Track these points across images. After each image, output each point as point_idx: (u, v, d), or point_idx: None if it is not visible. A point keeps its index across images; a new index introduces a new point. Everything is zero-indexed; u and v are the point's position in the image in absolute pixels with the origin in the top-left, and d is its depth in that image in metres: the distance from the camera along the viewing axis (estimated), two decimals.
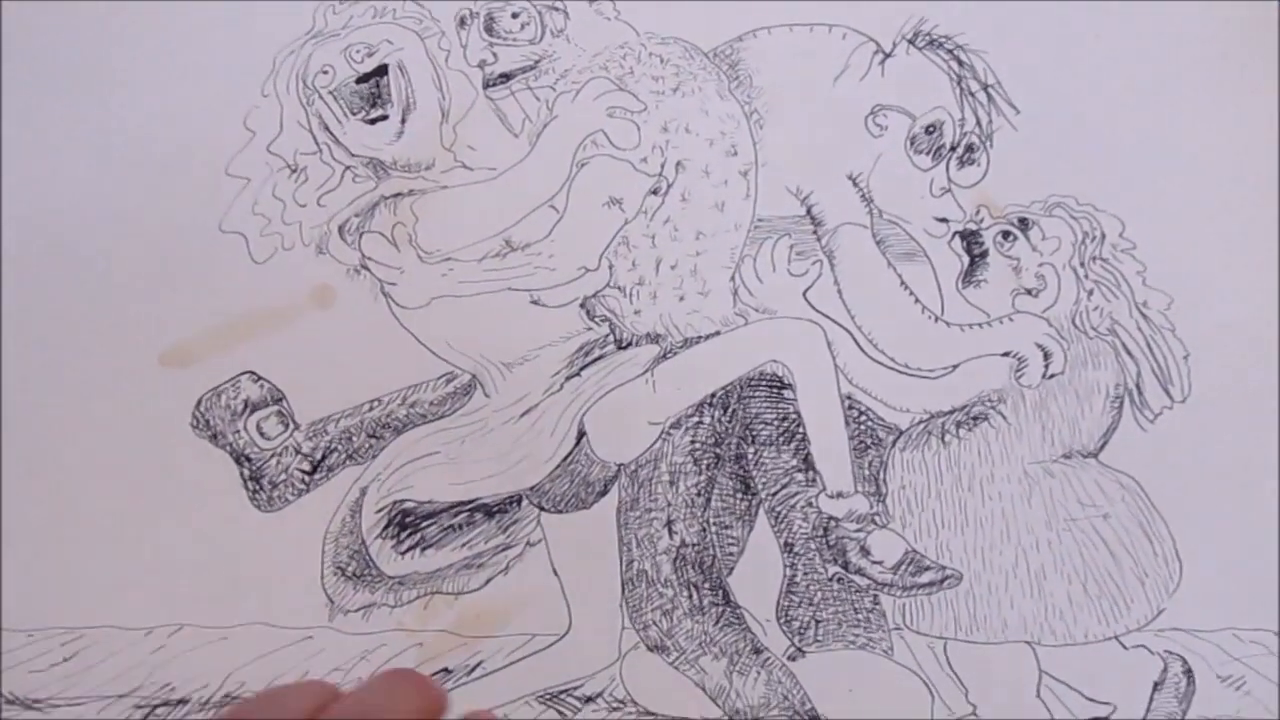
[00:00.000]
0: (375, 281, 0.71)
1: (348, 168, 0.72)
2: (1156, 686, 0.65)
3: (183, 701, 0.65)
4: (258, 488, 0.69)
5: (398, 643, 0.67)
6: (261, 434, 0.69)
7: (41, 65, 0.75)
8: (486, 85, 0.74)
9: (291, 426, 0.69)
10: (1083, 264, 0.72)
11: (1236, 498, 0.68)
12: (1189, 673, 0.65)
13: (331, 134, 0.73)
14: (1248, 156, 0.75)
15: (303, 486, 0.69)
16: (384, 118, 0.72)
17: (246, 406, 0.70)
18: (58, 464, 0.68)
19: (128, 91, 0.75)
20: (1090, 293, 0.71)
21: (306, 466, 0.69)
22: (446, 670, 0.66)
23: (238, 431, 0.69)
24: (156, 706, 0.65)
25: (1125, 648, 0.66)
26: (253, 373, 0.70)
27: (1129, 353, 0.70)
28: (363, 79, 0.73)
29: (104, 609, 0.66)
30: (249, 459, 0.69)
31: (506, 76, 0.75)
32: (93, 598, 0.67)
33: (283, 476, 0.69)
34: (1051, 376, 0.70)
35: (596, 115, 0.73)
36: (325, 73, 0.73)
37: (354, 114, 0.72)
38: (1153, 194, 0.74)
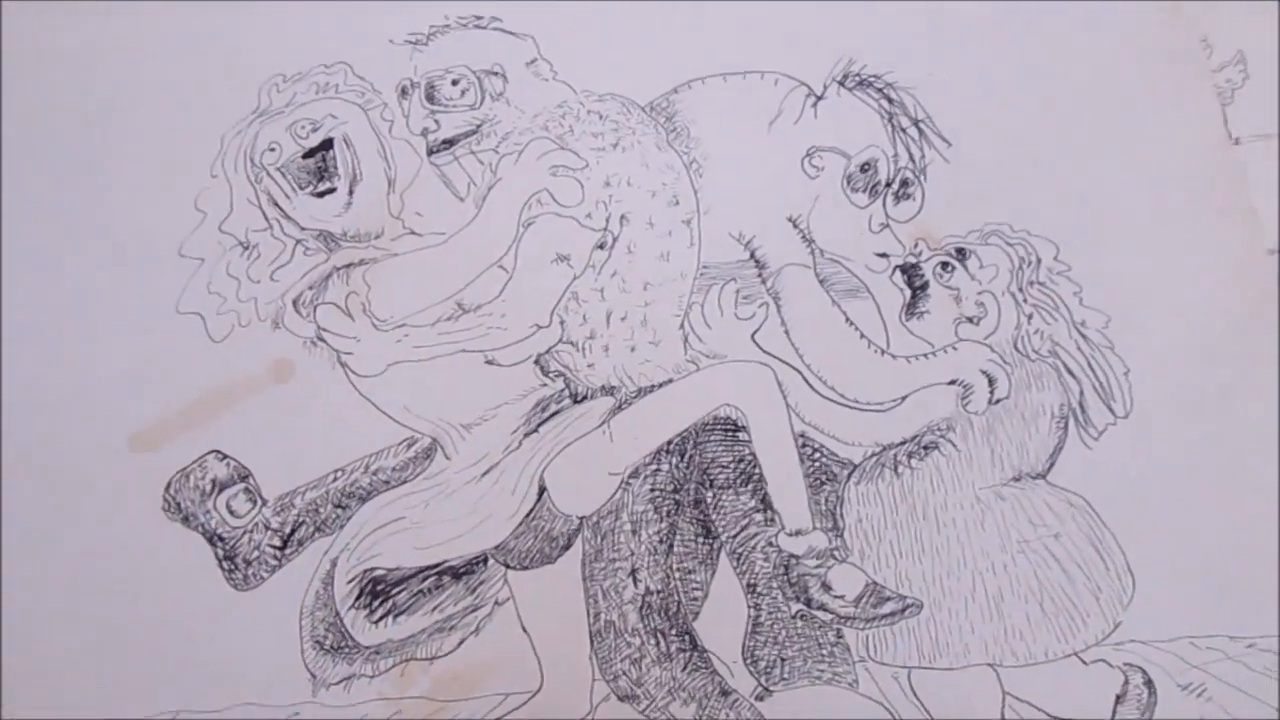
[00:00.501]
0: (332, 352, 0.72)
1: (299, 241, 0.74)
2: (1118, 699, 0.67)
3: None
4: (233, 567, 0.70)
5: (378, 711, 0.68)
6: (231, 512, 0.70)
7: None
8: (430, 152, 0.76)
9: (260, 502, 0.71)
10: (1021, 289, 0.74)
11: (1183, 508, 0.70)
12: (1149, 683, 0.67)
13: (281, 209, 0.74)
14: (1174, 173, 0.77)
15: (275, 562, 0.70)
16: (332, 190, 0.74)
17: (215, 486, 0.71)
18: (47, 561, 0.69)
19: (76, 178, 0.76)
20: (1030, 317, 0.73)
21: (277, 541, 0.70)
22: None
23: (208, 511, 0.70)
24: None
25: (1085, 663, 0.67)
26: (218, 451, 0.71)
27: (1071, 372, 0.72)
28: (309, 154, 0.74)
29: (100, 701, 0.68)
30: (221, 539, 0.70)
31: (450, 142, 0.77)
32: (88, 690, 0.68)
33: (255, 554, 0.70)
34: (997, 401, 0.72)
35: (540, 175, 0.75)
36: (272, 150, 0.74)
37: (302, 188, 0.74)
38: (1085, 216, 0.76)
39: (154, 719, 0.67)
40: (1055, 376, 0.72)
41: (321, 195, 0.74)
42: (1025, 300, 0.74)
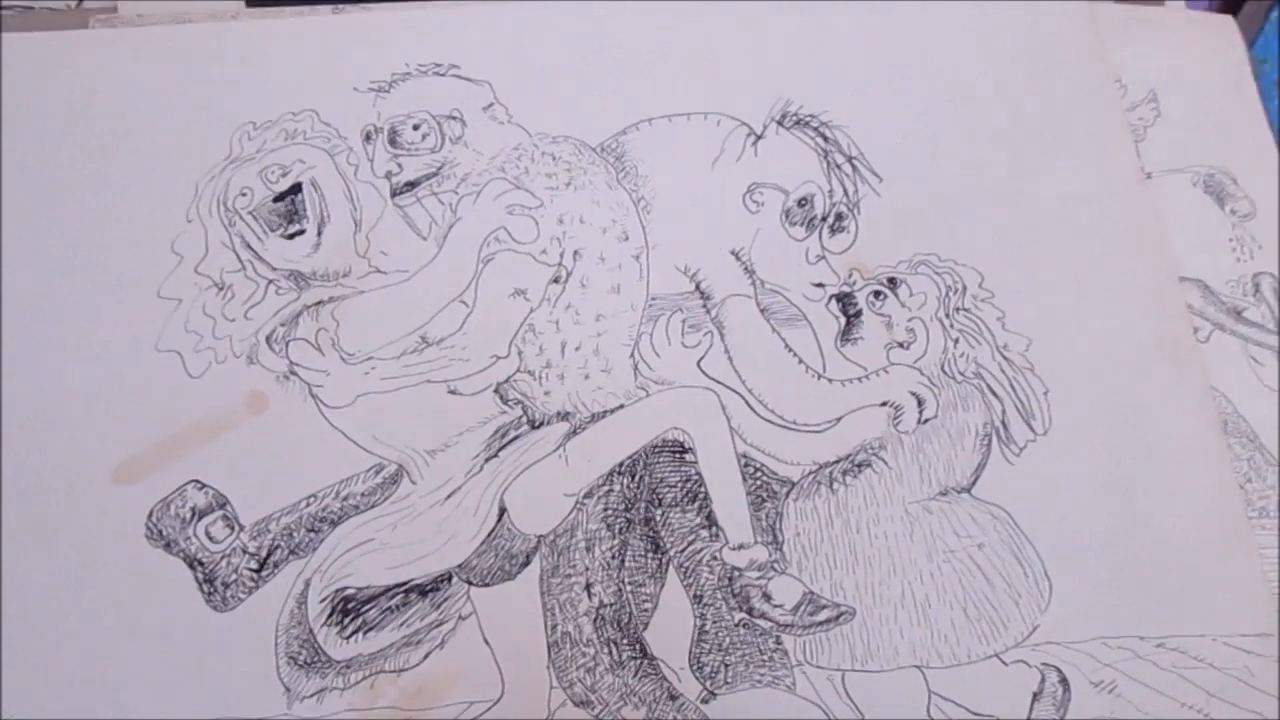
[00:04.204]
0: (304, 385, 0.77)
1: (270, 281, 0.78)
2: (1035, 696, 0.72)
3: None
4: (212, 590, 0.74)
5: None
6: (210, 538, 0.75)
7: None
8: (394, 194, 0.81)
9: (237, 528, 0.75)
10: (948, 315, 0.79)
11: (1097, 519, 0.76)
12: (1064, 681, 0.73)
13: (253, 251, 0.79)
14: (1091, 206, 0.83)
15: (252, 584, 0.74)
16: (301, 232, 0.79)
17: (194, 513, 0.75)
18: (38, 586, 0.73)
19: (59, 222, 0.80)
20: (956, 341, 0.79)
21: (254, 565, 0.75)
22: None
23: (188, 538, 0.75)
24: None
25: (1005, 664, 0.73)
26: (197, 481, 0.76)
27: (994, 393, 0.78)
28: (279, 197, 0.79)
29: (90, 710, 0.71)
30: (201, 563, 0.75)
31: (412, 184, 0.81)
32: (81, 707, 0.71)
33: (233, 576, 0.75)
34: (926, 421, 0.77)
35: (497, 214, 0.80)
36: (244, 195, 0.79)
37: (273, 231, 0.78)
38: (1008, 246, 0.82)
39: None
40: (979, 397, 0.78)
41: (291, 237, 0.79)
42: (952, 326, 0.79)
